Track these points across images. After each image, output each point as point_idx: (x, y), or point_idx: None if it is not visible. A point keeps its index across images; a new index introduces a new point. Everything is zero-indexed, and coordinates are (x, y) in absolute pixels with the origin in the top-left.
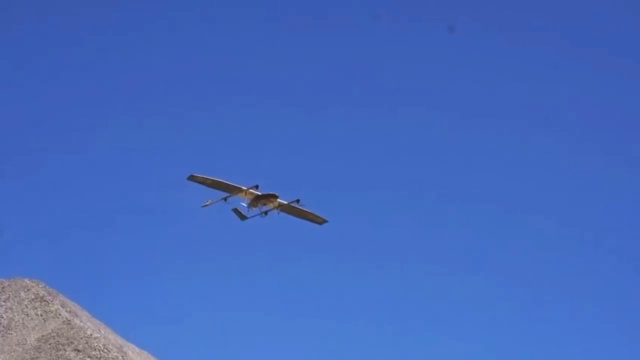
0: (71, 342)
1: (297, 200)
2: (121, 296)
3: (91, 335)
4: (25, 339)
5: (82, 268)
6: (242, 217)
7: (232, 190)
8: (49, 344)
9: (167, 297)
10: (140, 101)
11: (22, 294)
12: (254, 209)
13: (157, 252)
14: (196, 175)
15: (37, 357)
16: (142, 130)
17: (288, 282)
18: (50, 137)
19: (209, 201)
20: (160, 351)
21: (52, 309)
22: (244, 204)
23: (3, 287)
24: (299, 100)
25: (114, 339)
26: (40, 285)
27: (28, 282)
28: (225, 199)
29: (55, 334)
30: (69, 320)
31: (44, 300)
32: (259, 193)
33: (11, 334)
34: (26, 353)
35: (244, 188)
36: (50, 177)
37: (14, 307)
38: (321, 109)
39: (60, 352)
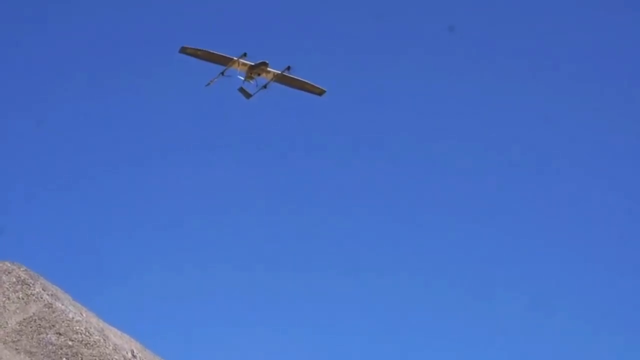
0: (53, 326)
1: (288, 68)
2: (104, 280)
3: (73, 318)
4: (7, 322)
5: (65, 250)
6: (248, 96)
7: (224, 61)
8: (31, 327)
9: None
10: None
11: (4, 277)
12: (250, 82)
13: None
14: (188, 47)
15: (18, 340)
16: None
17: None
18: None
19: (213, 80)
20: (142, 335)
21: (33, 292)
22: (240, 77)
23: None
24: None
25: (96, 322)
26: (21, 269)
27: (9, 265)
28: (222, 73)
29: (36, 317)
30: (50, 304)
31: (26, 284)
32: (252, 63)
33: None
34: (7, 336)
35: (235, 58)
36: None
37: None
38: None
39: (41, 336)
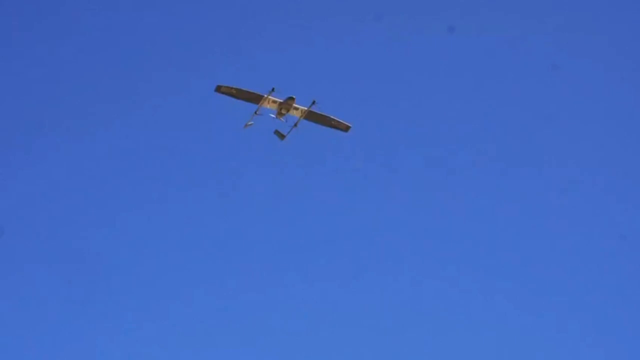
0: None
1: (314, 102)
2: None
3: None
4: None
5: None
6: (282, 137)
7: (255, 99)
8: None
9: None
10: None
11: None
12: (281, 119)
13: None
14: (223, 85)
15: None
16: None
17: None
18: None
19: (249, 123)
20: None
21: None
22: (272, 115)
23: None
24: None
25: None
26: None
27: None
28: (255, 112)
29: None
30: None
31: None
32: (281, 100)
33: None
34: None
35: (265, 95)
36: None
37: None
38: None
39: None
